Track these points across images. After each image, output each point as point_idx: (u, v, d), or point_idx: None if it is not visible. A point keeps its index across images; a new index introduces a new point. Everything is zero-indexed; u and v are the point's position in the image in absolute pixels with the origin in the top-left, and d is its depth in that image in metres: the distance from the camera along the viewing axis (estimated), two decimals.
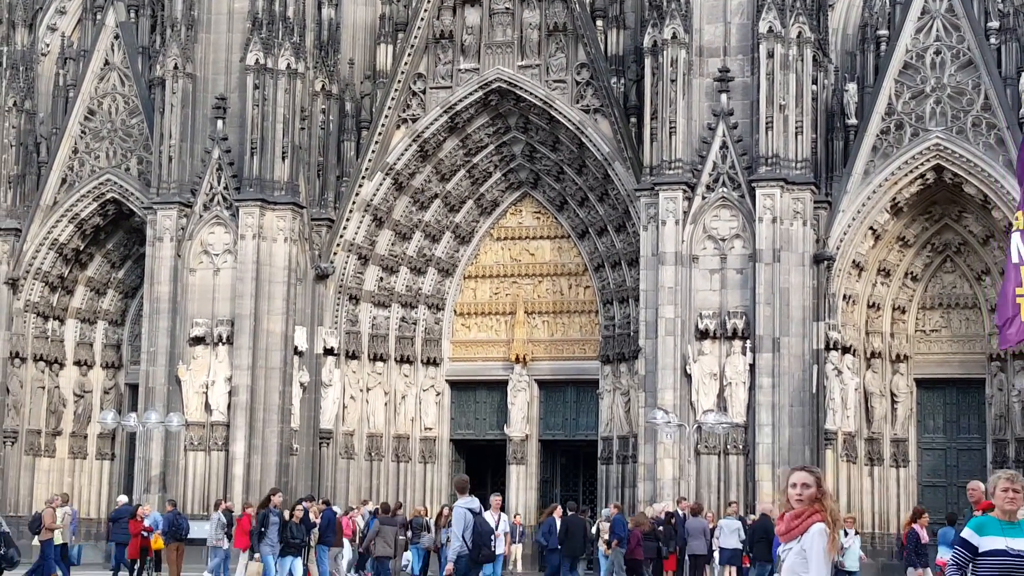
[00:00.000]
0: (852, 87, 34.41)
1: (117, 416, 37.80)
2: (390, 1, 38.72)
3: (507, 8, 37.25)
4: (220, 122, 36.49)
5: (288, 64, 36.49)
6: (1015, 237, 26.94)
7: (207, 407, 35.74)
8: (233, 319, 35.95)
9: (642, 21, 35.55)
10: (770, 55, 33.46)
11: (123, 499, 34.41)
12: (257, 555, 23.84)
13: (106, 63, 38.97)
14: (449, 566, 21.21)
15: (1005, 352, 33.43)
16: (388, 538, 27.16)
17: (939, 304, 36.14)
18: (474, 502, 20.80)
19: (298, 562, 22.28)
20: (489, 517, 24.34)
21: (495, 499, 27.33)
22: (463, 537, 19.87)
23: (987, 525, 7.62)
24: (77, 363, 40.45)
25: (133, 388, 38.97)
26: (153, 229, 36.74)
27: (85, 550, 35.26)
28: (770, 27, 33.28)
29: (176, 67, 36.71)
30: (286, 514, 23.78)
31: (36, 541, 29.18)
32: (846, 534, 24.52)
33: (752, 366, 32.93)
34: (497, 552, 25.07)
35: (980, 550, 7.50)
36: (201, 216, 36.49)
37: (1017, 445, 34.40)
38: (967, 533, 7.67)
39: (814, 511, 7.29)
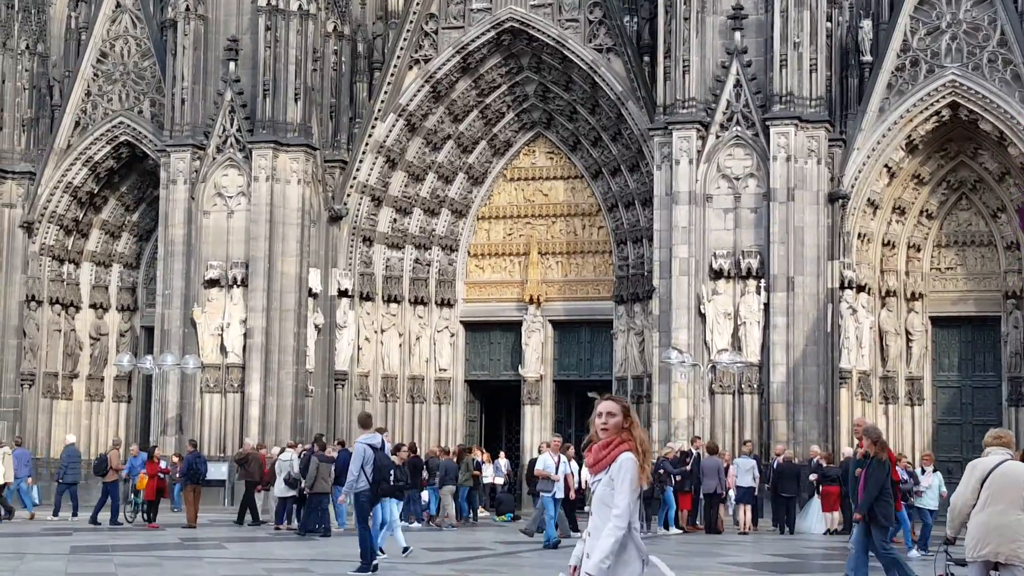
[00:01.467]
0: (867, 24, 34.06)
1: (133, 359, 38.06)
2: None
3: None
4: (232, 64, 36.63)
5: (300, 5, 36.42)
6: None
7: (222, 349, 35.97)
8: (247, 261, 36.13)
9: None
10: None
11: (168, 440, 35.07)
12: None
13: (118, 5, 38.95)
14: (343, 496, 22.04)
15: (1021, 290, 34.06)
16: (325, 475, 27.14)
17: (954, 242, 36.12)
18: (375, 437, 21.10)
19: (394, 505, 22.02)
20: (549, 459, 25.07)
21: (555, 441, 27.09)
22: (363, 471, 20.06)
23: None
24: (93, 306, 40.70)
25: (149, 331, 39.23)
26: (167, 172, 36.94)
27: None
28: None
29: (188, 8, 36.87)
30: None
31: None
32: (923, 472, 24.46)
33: (766, 305, 32.97)
34: (558, 495, 25.04)
35: None
36: (214, 159, 36.64)
37: None
38: None
39: (622, 440, 7.26)
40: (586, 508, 7.91)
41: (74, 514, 31.44)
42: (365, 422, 23.23)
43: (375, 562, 19.15)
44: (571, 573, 8.02)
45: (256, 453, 31.14)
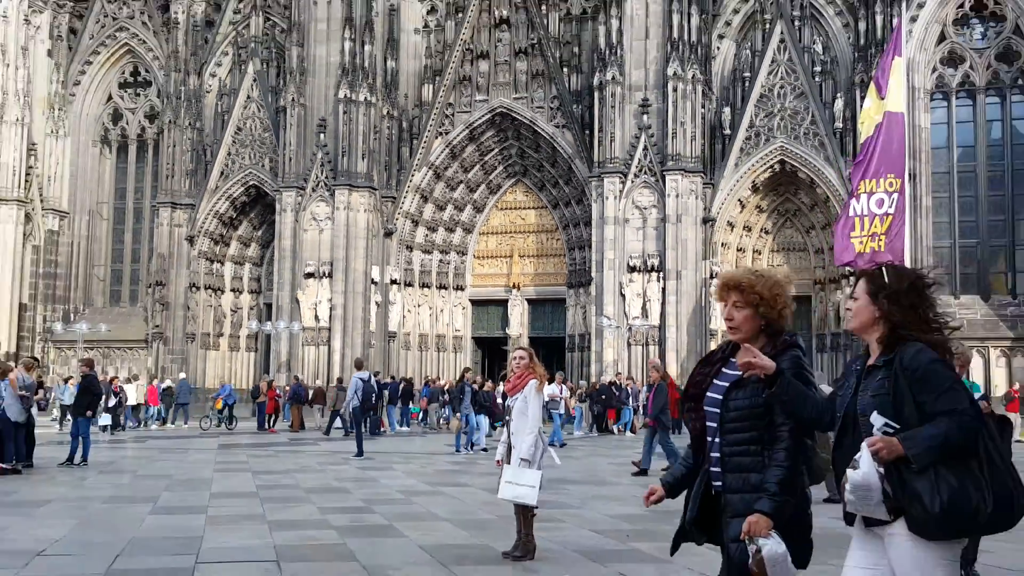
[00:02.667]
0: (727, 110, 34.22)
1: (258, 324, 38.23)
2: (430, 55, 37.86)
3: (506, 60, 36.55)
4: (322, 135, 36.19)
5: (365, 97, 36.18)
6: (853, 201, 27.86)
7: (316, 318, 35.87)
8: (332, 261, 35.86)
9: (593, 68, 34.88)
10: (674, 90, 33.18)
11: (282, 377, 34.48)
12: (458, 413, 23.21)
13: (248, 97, 38.57)
14: (347, 413, 22.33)
15: (824, 280, 34.28)
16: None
17: (782, 248, 35.56)
18: (365, 373, 21.59)
19: (484, 419, 21.49)
20: (555, 387, 23.99)
21: (559, 376, 27.10)
22: (356, 395, 20.49)
23: None
24: (232, 290, 40.54)
25: (268, 306, 39.02)
26: (280, 204, 36.81)
27: (239, 408, 34.03)
28: (675, 71, 33.15)
29: (293, 99, 36.42)
30: (475, 385, 22.86)
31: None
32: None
33: (663, 289, 33.15)
34: (560, 411, 24.75)
35: None
36: (311, 195, 36.27)
37: (832, 338, 33.83)
38: None
39: (529, 373, 8.16)
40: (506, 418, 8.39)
41: (185, 422, 30.37)
42: (359, 364, 23.79)
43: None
44: (496, 464, 8.65)
45: (326, 388, 30.63)
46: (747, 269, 4.04)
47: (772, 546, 3.58)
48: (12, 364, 18.97)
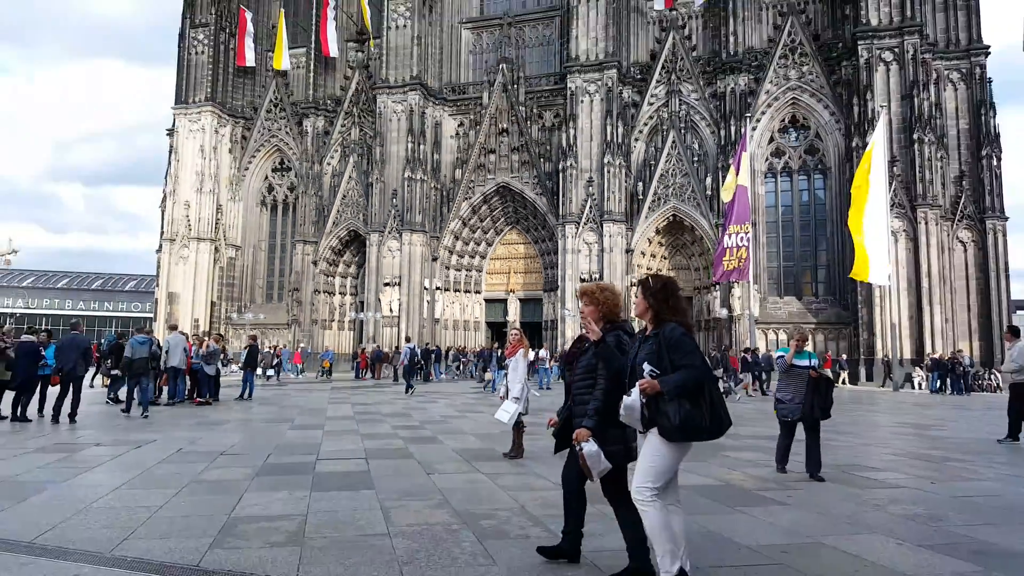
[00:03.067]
0: (640, 184, 33.81)
1: (356, 313, 38.06)
2: (460, 151, 37.61)
3: (506, 154, 36.33)
4: (394, 199, 36.15)
5: (420, 176, 36.30)
6: (726, 238, 28.13)
7: (390, 310, 35.68)
8: (400, 276, 35.66)
9: (559, 158, 34.65)
10: (608, 171, 33.08)
11: (371, 346, 33.61)
12: (488, 369, 23.05)
13: (350, 177, 38.16)
14: (401, 364, 21.20)
15: (700, 287, 33.64)
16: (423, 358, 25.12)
17: (674, 268, 34.67)
18: (412, 343, 21.20)
19: (501, 372, 18.03)
20: (543, 352, 24.11)
21: (545, 345, 27.60)
22: (404, 357, 20.14)
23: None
24: (339, 293, 39.88)
25: (361, 303, 38.47)
26: (369, 241, 36.66)
27: (341, 365, 34.12)
28: (608, 160, 33.12)
29: (376, 178, 36.48)
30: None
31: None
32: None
33: None
34: (548, 367, 23.97)
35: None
36: (387, 235, 36.18)
37: (705, 323, 32.90)
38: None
39: (519, 344, 8.27)
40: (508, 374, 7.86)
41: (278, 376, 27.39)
42: (407, 339, 22.91)
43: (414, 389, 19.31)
44: (500, 398, 8.34)
45: (392, 353, 29.38)
46: (596, 283, 4.14)
47: (588, 448, 3.66)
48: (205, 337, 19.22)
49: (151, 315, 41.65)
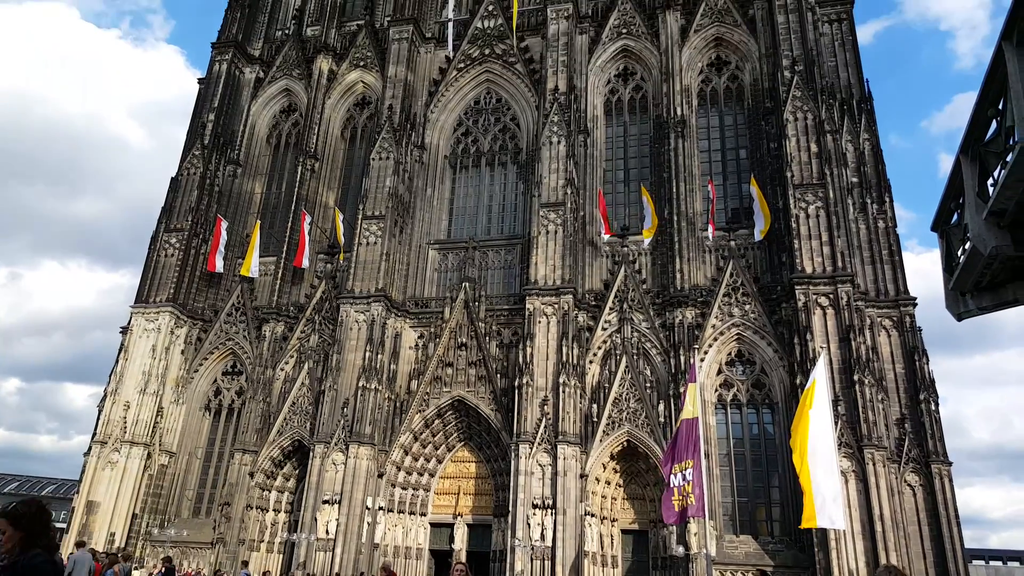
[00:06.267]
0: (595, 406, 34.57)
1: (289, 535, 36.48)
2: (418, 362, 38.30)
3: (463, 368, 37.39)
4: (344, 408, 36.17)
5: (375, 386, 36.82)
6: (671, 477, 28.52)
7: (326, 532, 34.43)
8: (342, 493, 35.07)
9: (515, 375, 35.32)
10: (563, 392, 33.81)
11: (300, 573, 32.34)
12: None
13: (302, 384, 38.78)
14: None
15: (656, 519, 32.97)
16: None
17: (629, 497, 35.02)
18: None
19: None
20: None
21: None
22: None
23: None
24: (274, 510, 38.72)
25: (296, 523, 36.84)
26: (313, 452, 36.40)
27: None
28: (563, 380, 33.99)
29: (330, 386, 36.78)
30: None
31: None
32: None
33: (554, 521, 32.08)
34: None
35: None
36: (333, 447, 35.86)
37: (662, 560, 32.31)
38: None
39: None
40: None
41: None
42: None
43: None
44: None
45: None
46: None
47: None
48: (118, 556, 18.49)
49: (64, 525, 39.35)
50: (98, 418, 40.01)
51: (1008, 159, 6.40)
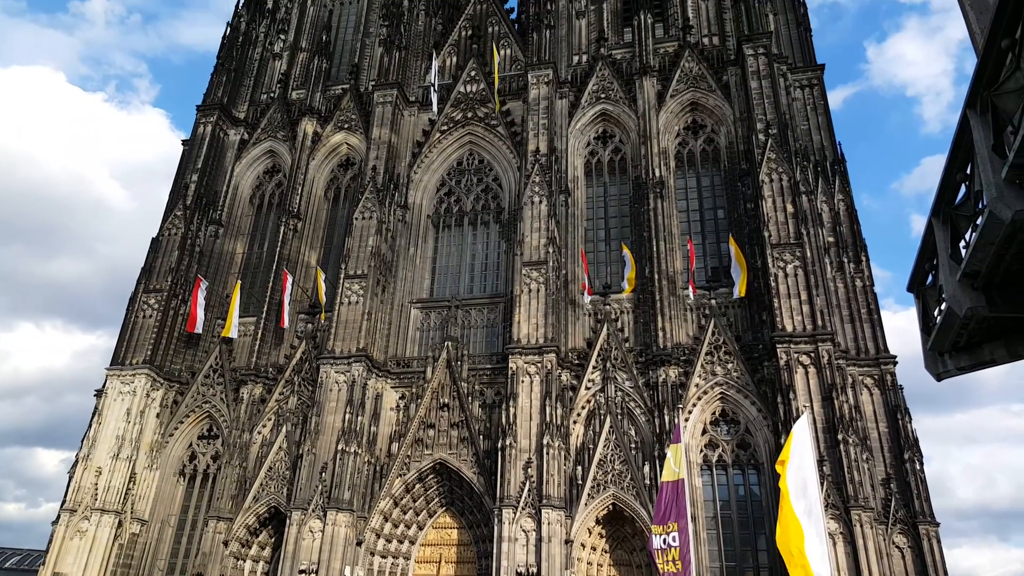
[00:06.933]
0: (579, 468, 34.13)
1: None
2: (399, 423, 38.08)
3: (445, 429, 36.89)
4: (323, 473, 35.73)
5: (355, 449, 36.35)
6: (654, 539, 27.98)
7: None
8: (319, 562, 33.69)
9: (497, 437, 35.07)
10: (547, 452, 33.43)
11: None
12: None
13: (280, 447, 37.98)
14: None
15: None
16: None
17: (616, 563, 33.64)
18: None
19: None
20: None
21: None
22: None
23: None
24: (253, 561, 38.24)
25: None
26: (290, 519, 35.66)
27: None
28: (547, 442, 33.85)
29: (308, 449, 36.36)
30: None
31: None
32: None
33: None
34: None
35: None
36: (311, 514, 35.20)
37: None
38: None
39: None
40: None
41: None
42: None
43: None
44: None
45: None
46: None
47: None
48: None
49: None
50: (68, 485, 39.07)
51: (978, 222, 6.60)
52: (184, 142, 49.34)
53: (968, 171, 6.90)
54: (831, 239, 37.85)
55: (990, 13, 6.25)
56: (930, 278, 8.29)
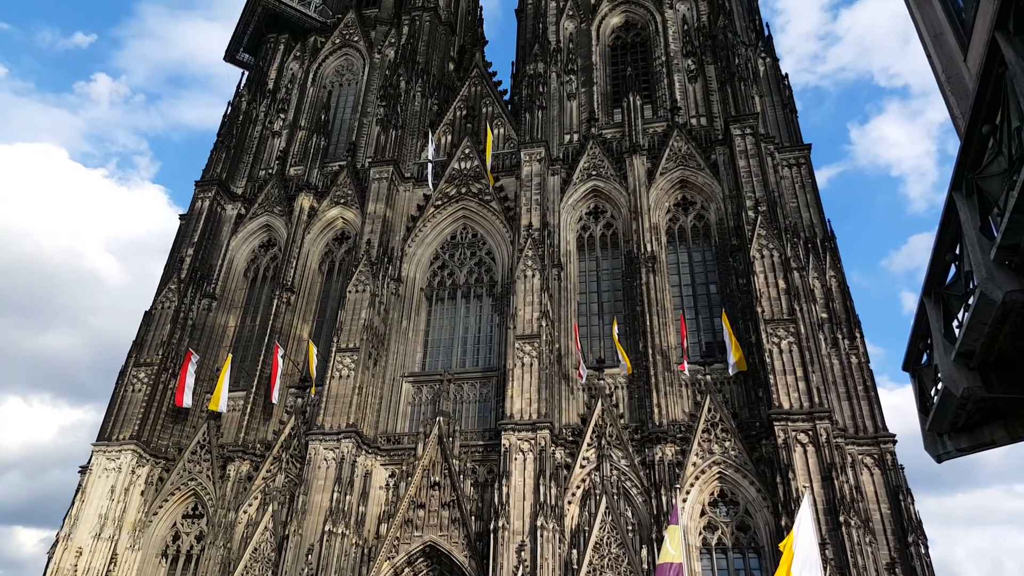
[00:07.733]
0: (575, 552, 32.57)
1: None
2: (388, 503, 37.20)
3: (435, 510, 35.98)
4: (308, 556, 34.68)
5: (342, 530, 35.30)
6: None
7: None
8: None
9: (490, 518, 34.24)
10: (541, 534, 32.50)
11: None
12: None
13: (266, 527, 37.22)
14: None
15: None
16: None
17: None
18: None
19: None
20: None
21: None
22: None
23: None
24: None
25: None
26: None
27: None
28: (541, 522, 32.63)
29: (293, 531, 35.46)
30: None
31: None
32: None
33: None
34: None
35: None
36: None
37: None
38: None
39: None
40: None
41: None
42: None
43: None
44: None
45: None
46: None
47: None
48: None
49: None
50: (47, 566, 37.78)
51: (970, 302, 6.63)
52: (181, 216, 50.06)
53: (957, 251, 6.99)
54: (824, 315, 37.97)
55: (970, 99, 6.40)
56: (925, 357, 8.28)
